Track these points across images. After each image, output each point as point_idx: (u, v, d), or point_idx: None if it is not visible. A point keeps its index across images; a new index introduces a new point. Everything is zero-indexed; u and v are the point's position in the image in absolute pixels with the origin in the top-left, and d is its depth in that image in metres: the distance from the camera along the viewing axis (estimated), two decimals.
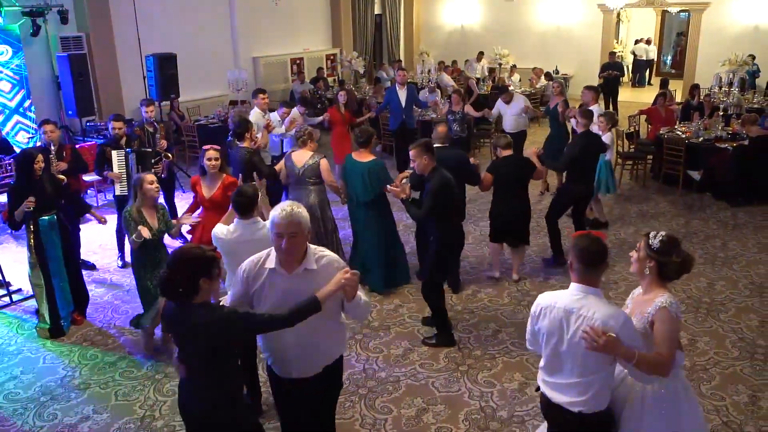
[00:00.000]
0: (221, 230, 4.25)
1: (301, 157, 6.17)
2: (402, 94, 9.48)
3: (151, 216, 5.00)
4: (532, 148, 6.59)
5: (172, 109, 12.24)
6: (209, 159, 5.45)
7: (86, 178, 8.34)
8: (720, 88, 11.29)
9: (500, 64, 15.47)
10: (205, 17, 13.72)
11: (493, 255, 6.61)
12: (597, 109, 8.33)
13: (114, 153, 6.74)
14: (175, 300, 2.93)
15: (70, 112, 10.34)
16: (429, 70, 16.62)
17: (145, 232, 4.85)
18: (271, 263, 3.16)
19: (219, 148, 5.57)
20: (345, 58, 15.86)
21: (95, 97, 11.84)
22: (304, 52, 16.58)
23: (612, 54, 15.09)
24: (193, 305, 2.88)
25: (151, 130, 7.45)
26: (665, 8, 18.29)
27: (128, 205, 5.02)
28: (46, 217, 5.57)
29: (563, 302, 2.99)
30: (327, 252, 3.26)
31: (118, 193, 6.87)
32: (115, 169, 6.74)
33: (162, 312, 3.24)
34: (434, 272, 5.25)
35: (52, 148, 6.54)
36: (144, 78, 10.87)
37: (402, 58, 19.48)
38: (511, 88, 13.87)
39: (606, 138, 7.54)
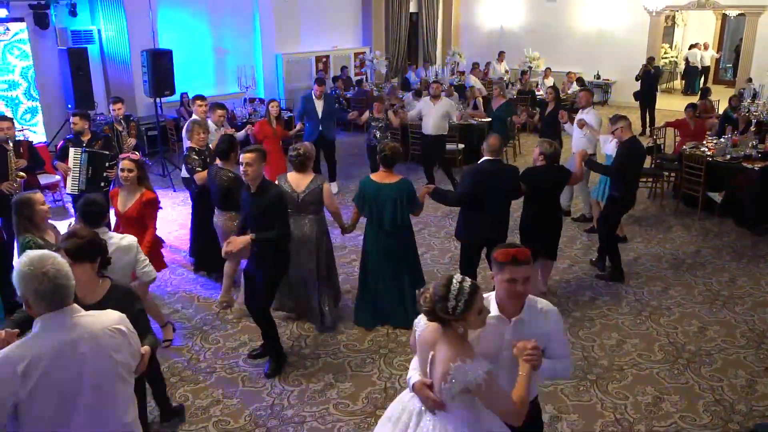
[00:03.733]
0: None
1: (300, 180, 5.28)
2: (319, 105, 8.85)
3: (50, 236, 4.43)
4: (579, 150, 6.24)
5: (182, 106, 12.06)
6: (122, 170, 5.02)
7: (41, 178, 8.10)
8: (753, 99, 10.14)
9: (530, 67, 14.60)
10: (227, 13, 13.49)
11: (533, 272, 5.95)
12: (593, 114, 7.72)
13: (71, 150, 6.47)
14: None
15: (69, 106, 10.25)
16: (462, 72, 16.01)
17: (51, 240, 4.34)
18: None
19: (137, 158, 5.18)
20: (367, 57, 15.32)
21: (107, 91, 11.85)
22: (331, 50, 16.18)
23: (650, 59, 13.97)
24: None
25: (119, 128, 7.16)
26: (723, 11, 16.94)
27: (23, 236, 4.30)
28: None
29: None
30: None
31: (68, 190, 6.61)
32: (71, 165, 6.47)
33: None
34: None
35: (10, 144, 6.33)
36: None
37: (438, 58, 18.83)
38: (540, 93, 13.15)
39: (614, 144, 6.76)
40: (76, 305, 2.48)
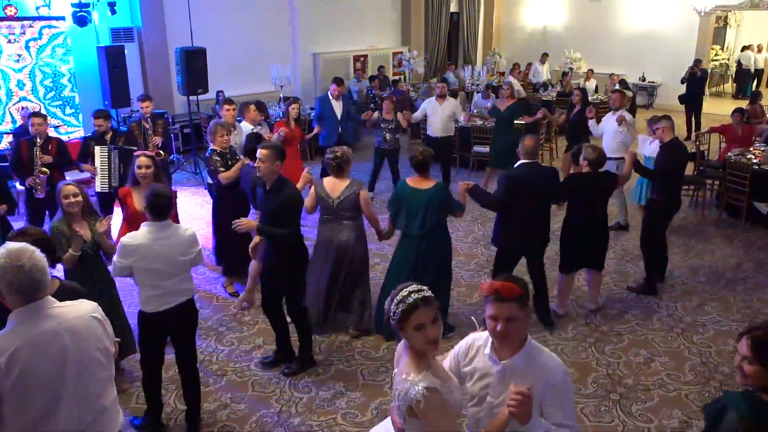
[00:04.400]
0: (130, 238, 3.87)
1: (337, 186, 5.12)
2: (337, 107, 8.56)
3: (82, 228, 4.44)
4: (629, 153, 6.01)
5: (218, 103, 12.13)
6: (140, 167, 4.99)
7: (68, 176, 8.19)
8: None
9: (571, 69, 14.21)
10: (264, 11, 13.52)
11: (564, 288, 5.67)
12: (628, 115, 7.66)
13: (97, 148, 6.55)
14: None
15: (106, 103, 10.39)
16: (502, 73, 15.73)
17: (84, 233, 4.34)
18: None
19: (152, 154, 5.14)
20: (404, 57, 15.16)
21: (145, 89, 12.00)
22: (369, 50, 16.09)
23: (697, 62, 13.42)
24: None
25: (147, 126, 7.19)
26: None
27: (56, 217, 4.51)
28: None
29: None
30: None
31: (98, 189, 6.68)
32: (97, 164, 6.54)
33: None
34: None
35: (39, 140, 6.43)
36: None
37: (478, 58, 18.55)
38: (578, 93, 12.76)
39: (654, 146, 6.68)
40: (50, 297, 2.52)
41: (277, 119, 11.16)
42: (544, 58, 15.69)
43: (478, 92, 12.28)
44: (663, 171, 5.94)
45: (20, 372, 2.35)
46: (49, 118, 8.71)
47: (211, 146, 6.04)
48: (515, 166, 5.27)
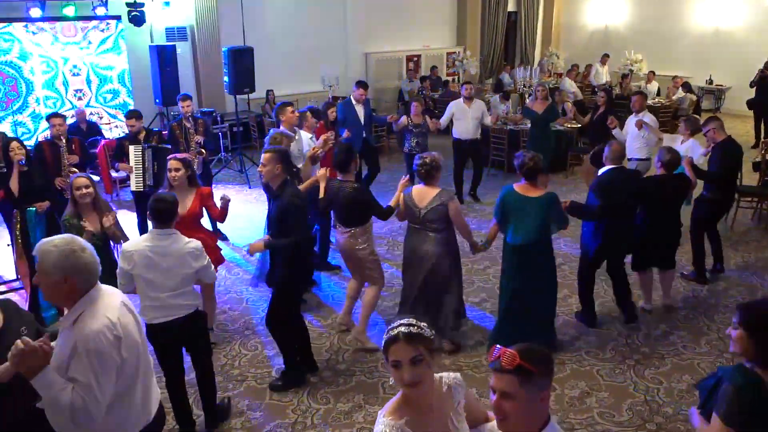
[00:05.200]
0: (130, 245, 3.81)
1: (425, 194, 4.80)
2: (360, 111, 8.24)
3: (93, 221, 4.57)
4: (685, 159, 5.94)
5: (267, 102, 12.20)
6: (170, 170, 4.94)
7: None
8: None
9: (631, 71, 13.60)
10: (317, 10, 13.51)
11: (646, 285, 5.76)
12: (648, 118, 7.50)
13: (131, 148, 6.61)
14: None
15: (157, 101, 10.59)
16: (560, 74, 15.23)
17: (89, 226, 4.41)
18: None
19: (183, 157, 5.09)
20: (457, 57, 14.88)
21: (197, 87, 12.19)
22: (423, 49, 15.89)
23: None
24: None
25: (188, 125, 7.22)
26: None
27: (66, 210, 4.61)
28: (33, 208, 5.53)
29: None
30: (98, 320, 2.44)
31: (133, 188, 6.74)
32: (132, 163, 6.60)
33: None
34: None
35: (62, 141, 6.50)
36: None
37: (536, 59, 18.06)
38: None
39: (686, 146, 6.61)
40: None
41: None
42: (604, 59, 15.09)
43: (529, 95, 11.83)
44: (720, 171, 6.01)
45: (123, 342, 2.47)
46: (95, 114, 8.91)
47: None
48: (602, 172, 5.23)
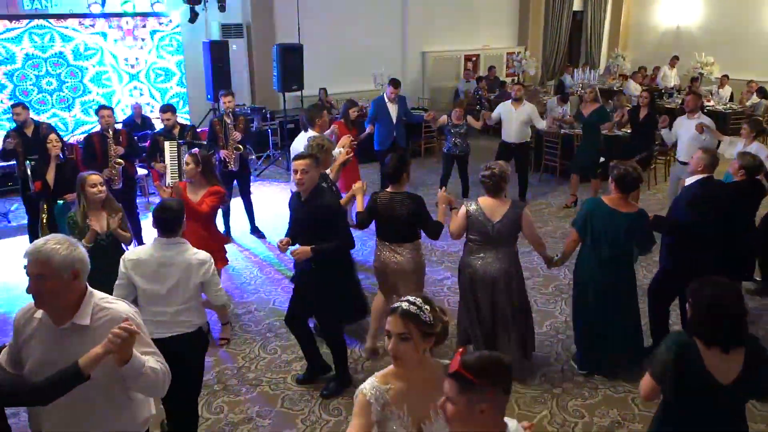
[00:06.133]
0: (133, 253, 3.67)
1: (497, 208, 4.38)
2: (393, 110, 7.95)
3: (99, 219, 4.43)
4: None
5: (320, 100, 12.15)
6: (186, 163, 4.97)
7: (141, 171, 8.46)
8: None
9: (701, 74, 12.82)
10: (374, 8, 13.36)
11: None
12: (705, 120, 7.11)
13: (166, 143, 6.62)
14: None
15: (209, 96, 10.68)
16: (626, 76, 14.56)
17: (95, 225, 4.31)
18: (40, 311, 2.50)
19: (196, 152, 5.05)
20: (515, 58, 14.43)
21: (251, 84, 12.27)
22: (482, 49, 15.52)
23: None
24: None
25: (228, 121, 7.20)
26: None
27: (72, 208, 4.53)
28: (61, 202, 5.59)
29: None
30: (116, 305, 2.53)
31: (168, 183, 6.74)
32: (167, 159, 6.61)
33: None
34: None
35: (110, 133, 6.59)
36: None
37: (602, 61, 17.37)
38: (709, 104, 11.53)
39: (753, 150, 6.01)
40: None
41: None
42: (673, 61, 14.32)
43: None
44: None
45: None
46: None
47: None
48: (690, 183, 4.73)
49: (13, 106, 7.13)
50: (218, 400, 4.48)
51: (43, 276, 2.33)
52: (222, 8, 11.12)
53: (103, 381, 2.39)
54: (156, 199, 8.62)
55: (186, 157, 4.97)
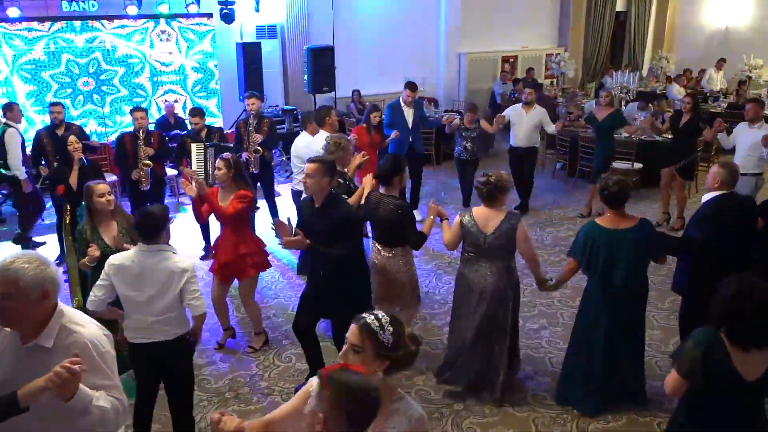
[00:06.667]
0: (117, 258, 3.61)
1: (490, 217, 4.14)
2: (409, 114, 7.64)
3: (108, 229, 4.27)
4: None
5: (353, 101, 12.09)
6: (216, 168, 4.94)
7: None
8: None
9: (750, 77, 12.29)
10: (410, 8, 13.23)
11: None
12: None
13: (193, 146, 6.64)
14: None
15: (241, 98, 10.70)
16: (670, 78, 14.10)
17: (94, 251, 4.10)
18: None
19: (227, 157, 5.00)
20: (553, 60, 14.10)
21: (284, 85, 12.28)
22: (521, 50, 15.23)
23: None
24: None
25: (250, 123, 7.18)
26: None
27: (82, 224, 4.36)
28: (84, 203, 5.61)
29: None
30: (85, 328, 2.40)
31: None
32: (194, 161, 6.64)
33: None
34: None
35: (141, 134, 6.64)
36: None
37: (645, 62, 16.87)
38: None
39: None
40: None
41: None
42: (720, 63, 13.77)
43: (634, 100, 10.93)
44: None
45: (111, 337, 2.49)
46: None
47: None
48: (708, 198, 4.37)
49: (51, 105, 7.25)
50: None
51: (9, 295, 2.23)
52: (256, 9, 11.14)
53: (46, 413, 2.27)
54: (186, 200, 8.67)
55: (218, 162, 4.90)
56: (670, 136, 8.21)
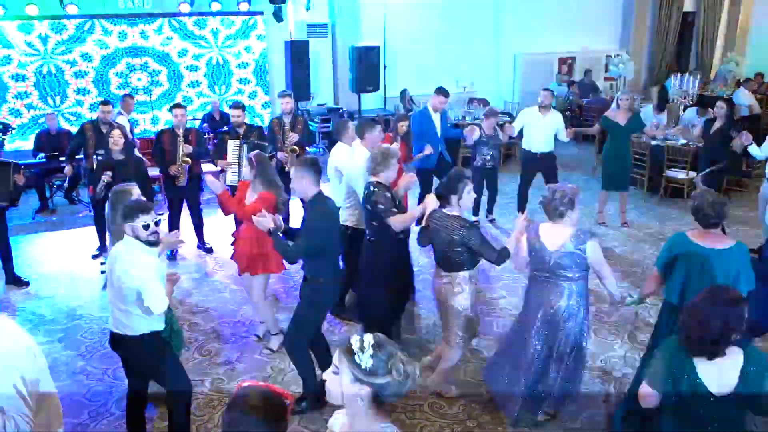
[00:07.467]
0: (114, 247, 3.64)
1: (557, 234, 3.78)
2: (437, 121, 7.22)
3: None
4: None
5: (402, 101, 11.96)
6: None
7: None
8: None
9: None
10: (463, 7, 12.97)
11: None
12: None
13: (230, 142, 6.63)
14: None
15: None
16: (739, 82, 13.33)
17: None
18: None
19: (251, 156, 5.00)
20: (611, 62, 13.55)
21: (334, 84, 12.27)
22: (580, 51, 14.71)
23: None
24: None
25: (285, 122, 7.14)
26: None
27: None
28: None
29: None
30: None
31: (228, 181, 6.73)
32: (229, 158, 6.62)
33: None
34: None
35: (180, 131, 6.70)
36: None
37: (714, 65, 16.04)
38: None
39: None
40: None
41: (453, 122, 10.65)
42: None
43: (688, 105, 10.38)
44: None
45: None
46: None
47: (372, 178, 4.61)
48: None
49: (102, 103, 7.37)
50: None
51: None
52: (307, 8, 11.16)
53: None
54: None
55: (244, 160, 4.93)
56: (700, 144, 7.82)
